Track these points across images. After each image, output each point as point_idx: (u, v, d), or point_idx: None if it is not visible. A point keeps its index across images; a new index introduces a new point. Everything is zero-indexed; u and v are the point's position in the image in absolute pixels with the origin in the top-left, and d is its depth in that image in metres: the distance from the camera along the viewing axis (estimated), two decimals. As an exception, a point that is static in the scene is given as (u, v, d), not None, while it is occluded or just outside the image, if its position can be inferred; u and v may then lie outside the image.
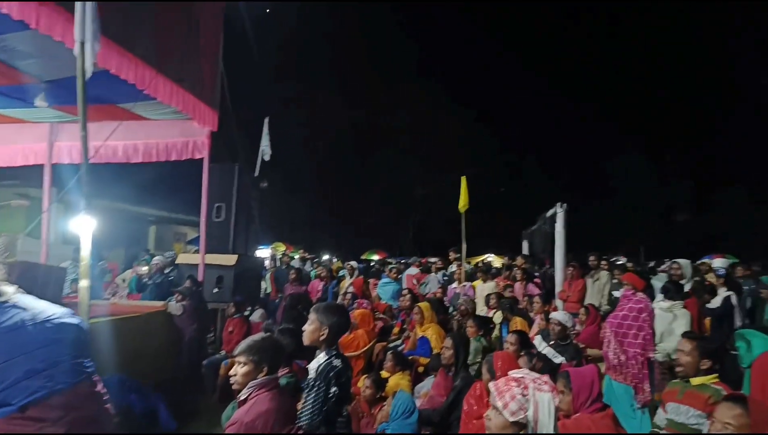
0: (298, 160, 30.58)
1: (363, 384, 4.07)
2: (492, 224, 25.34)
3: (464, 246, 6.92)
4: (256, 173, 8.73)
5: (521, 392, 1.83)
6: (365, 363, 5.64)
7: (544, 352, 4.50)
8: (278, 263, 12.48)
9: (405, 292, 7.01)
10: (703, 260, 12.89)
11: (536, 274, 8.42)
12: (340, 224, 30.74)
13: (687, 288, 5.63)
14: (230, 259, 7.05)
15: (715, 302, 5.62)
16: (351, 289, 7.92)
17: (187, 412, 4.98)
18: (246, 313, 6.51)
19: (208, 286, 6.96)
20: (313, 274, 10.70)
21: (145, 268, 8.58)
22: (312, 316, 2.54)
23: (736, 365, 4.52)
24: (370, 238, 29.08)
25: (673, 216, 29.22)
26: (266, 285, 9.64)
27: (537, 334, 5.07)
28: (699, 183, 29.44)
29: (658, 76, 31.22)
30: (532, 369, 3.22)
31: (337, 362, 2.45)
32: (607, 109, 31.95)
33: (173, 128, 6.99)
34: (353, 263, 10.19)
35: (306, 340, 2.55)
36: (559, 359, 4.38)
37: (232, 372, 2.57)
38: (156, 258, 8.53)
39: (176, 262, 7.85)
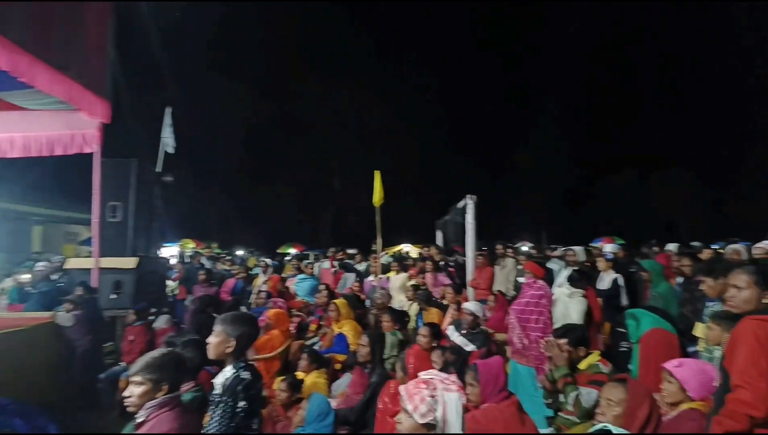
0: (208, 153, 29.13)
1: (278, 387, 3.96)
2: (409, 214, 25.91)
3: (379, 240, 6.98)
4: (159, 168, 8.14)
5: (430, 394, 1.86)
6: (282, 364, 5.50)
7: (457, 341, 4.66)
8: (187, 261, 11.81)
9: (321, 287, 6.94)
10: (595, 244, 14.22)
11: (451, 263, 8.71)
12: (255, 218, 29.77)
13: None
14: (129, 262, 6.52)
15: (605, 284, 6.17)
16: (265, 287, 7.68)
17: (83, 432, 4.56)
18: (151, 318, 6.07)
19: (104, 293, 6.39)
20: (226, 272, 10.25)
21: (26, 276, 7.66)
22: (217, 327, 2.40)
23: (622, 341, 5.04)
24: (286, 231, 28.51)
25: (571, 202, 31.66)
26: (173, 287, 9.07)
27: (450, 324, 5.24)
28: (596, 170, 32.26)
29: (560, 67, 33.39)
30: (445, 362, 3.31)
31: (245, 374, 2.33)
32: (513, 99, 33.83)
33: (57, 120, 6.28)
34: (267, 260, 9.91)
35: (211, 353, 2.40)
36: (470, 347, 4.56)
37: (126, 393, 2.35)
38: (40, 263, 7.67)
39: (65, 268, 7.10)
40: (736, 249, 5.72)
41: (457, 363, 3.15)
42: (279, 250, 21.99)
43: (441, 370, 3.18)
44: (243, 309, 7.96)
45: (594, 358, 3.50)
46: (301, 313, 6.86)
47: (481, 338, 4.65)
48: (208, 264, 11.10)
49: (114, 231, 6.77)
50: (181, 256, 15.75)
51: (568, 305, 4.82)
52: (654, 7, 32.74)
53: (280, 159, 30.40)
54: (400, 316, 5.00)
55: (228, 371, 2.34)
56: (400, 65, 33.53)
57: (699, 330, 3.64)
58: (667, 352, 4.04)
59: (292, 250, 21.03)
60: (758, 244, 5.38)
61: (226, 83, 27.86)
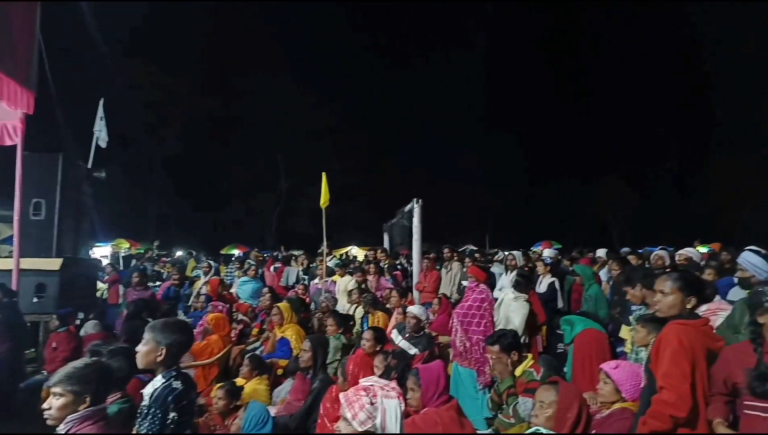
0: (146, 149, 27.73)
1: (215, 395, 3.80)
2: (357, 216, 25.85)
3: (325, 242, 6.90)
4: (90, 163, 7.64)
5: (370, 401, 1.84)
6: (221, 370, 5.31)
7: (400, 345, 4.68)
8: (122, 263, 11.17)
9: (265, 290, 6.77)
10: (534, 249, 14.79)
11: (398, 266, 8.75)
12: (197, 218, 28.63)
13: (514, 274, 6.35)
14: (53, 263, 6.08)
15: (542, 288, 6.41)
16: (205, 291, 7.39)
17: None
18: (77, 324, 5.68)
19: (25, 296, 5.91)
20: (164, 274, 9.79)
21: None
22: (147, 335, 2.26)
23: (558, 342, 5.25)
24: (230, 231, 27.62)
25: (514, 207, 32.75)
26: (103, 290, 8.55)
27: (394, 327, 5.25)
28: (533, 176, 33.61)
29: (505, 73, 34.42)
30: (387, 366, 3.30)
31: (176, 384, 2.21)
32: (460, 103, 34.47)
33: (-27, 109, 5.75)
34: (210, 262, 9.55)
35: (140, 362, 2.26)
36: (413, 351, 4.59)
37: (45, 405, 2.18)
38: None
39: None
40: (660, 255, 6.12)
41: (400, 367, 3.15)
42: (222, 251, 21.28)
43: (383, 374, 3.17)
44: (181, 313, 7.63)
45: (527, 364, 3.61)
46: (245, 318, 6.65)
47: (425, 342, 4.69)
48: (141, 265, 10.56)
49: (37, 229, 6.29)
50: (115, 257, 14.90)
51: (512, 309, 4.95)
52: (584, 20, 34.54)
53: (224, 157, 29.40)
54: (345, 320, 4.96)
55: (158, 381, 2.21)
56: (349, 64, 33.39)
57: (625, 332, 3.85)
58: (599, 352, 4.27)
59: (236, 251, 20.40)
60: (681, 251, 5.77)
61: (163, 75, 26.59)
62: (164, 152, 28.51)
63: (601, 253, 8.63)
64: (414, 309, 5.00)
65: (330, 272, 8.83)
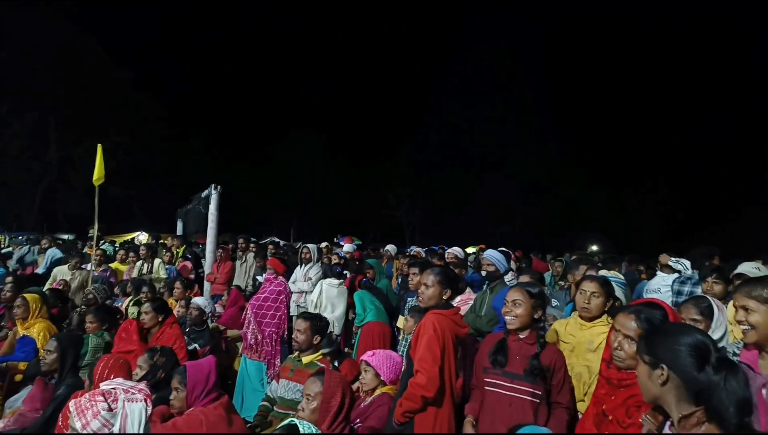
0: None
1: None
2: (148, 199, 23.08)
3: (96, 224, 5.93)
4: None
5: (107, 407, 1.59)
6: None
7: (179, 340, 4.28)
8: None
9: (9, 279, 5.50)
10: (339, 242, 15.39)
11: (188, 255, 8.08)
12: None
13: (317, 268, 6.50)
14: None
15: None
16: None
17: None
18: None
19: None
20: None
21: None
22: None
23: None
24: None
25: (322, 201, 33.53)
26: None
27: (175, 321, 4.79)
28: (341, 173, 34.90)
29: (319, 64, 35.05)
30: (154, 365, 2.96)
31: None
32: (273, 91, 33.84)
33: None
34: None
35: None
36: (192, 346, 4.25)
37: None
38: None
39: None
40: (453, 253, 6.89)
41: (168, 366, 2.84)
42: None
43: (147, 374, 2.82)
44: None
45: (317, 356, 3.64)
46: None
47: (207, 336, 4.40)
48: None
49: None
50: None
51: (335, 295, 5.30)
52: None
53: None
54: (111, 315, 4.31)
55: None
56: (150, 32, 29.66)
57: (401, 322, 4.21)
58: (381, 341, 4.60)
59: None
60: (449, 250, 6.62)
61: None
62: None
63: (389, 248, 9.38)
64: (198, 300, 4.65)
65: (109, 259, 7.69)
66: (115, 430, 1.58)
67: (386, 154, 34.77)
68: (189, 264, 7.49)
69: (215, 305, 5.78)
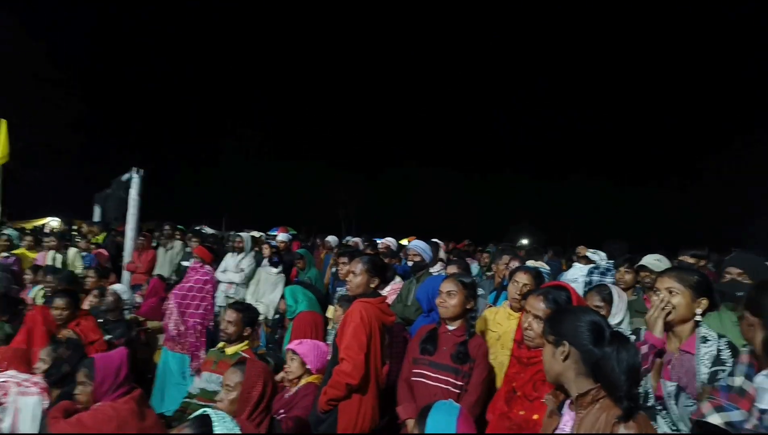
0: None
1: None
2: (61, 182, 21.26)
3: (-1, 207, 5.40)
4: None
5: (-4, 402, 1.44)
6: None
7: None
8: None
9: None
10: (272, 233, 15.05)
11: (106, 243, 7.58)
12: None
13: (250, 258, 6.34)
14: None
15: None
16: None
17: None
18: None
19: None
20: None
21: None
22: None
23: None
24: None
25: (253, 191, 32.60)
26: None
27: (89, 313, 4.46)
28: (279, 160, 34.20)
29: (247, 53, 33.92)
30: (57, 358, 2.73)
31: None
32: (203, 73, 32.31)
33: None
34: None
35: None
36: (107, 337, 3.98)
37: None
38: None
39: None
40: (386, 244, 6.94)
41: (74, 359, 2.64)
42: None
43: (51, 368, 2.60)
44: None
45: (242, 346, 3.52)
46: None
47: (123, 327, 4.14)
48: None
49: None
50: None
51: (275, 282, 5.52)
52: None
53: None
54: (12, 305, 3.94)
55: None
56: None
57: (329, 311, 4.19)
58: (313, 331, 4.54)
59: None
60: (381, 241, 6.71)
61: None
62: None
63: (329, 239, 9.30)
64: (116, 286, 4.40)
65: (14, 246, 7.03)
66: (5, 425, 1.44)
67: (327, 148, 34.54)
68: (105, 251, 7.02)
69: (135, 295, 5.48)
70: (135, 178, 6.67)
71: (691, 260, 4.24)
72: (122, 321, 4.24)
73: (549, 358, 1.48)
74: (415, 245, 4.02)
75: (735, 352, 1.91)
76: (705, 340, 1.96)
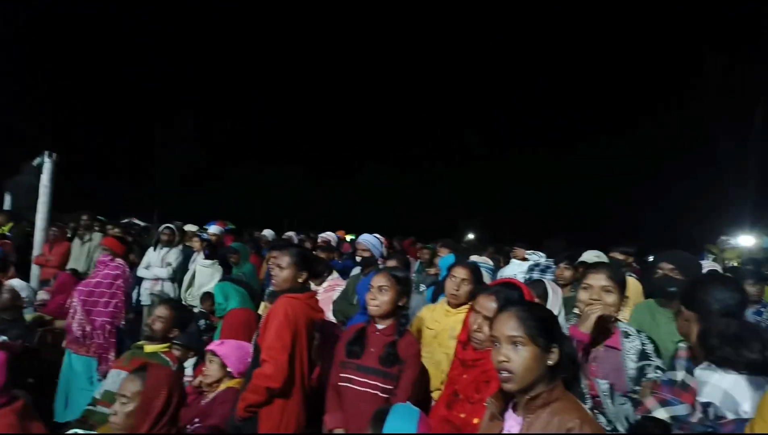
0: None
1: None
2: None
3: None
4: None
5: None
6: None
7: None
8: None
9: None
10: (206, 226, 14.39)
11: (9, 234, 6.85)
12: None
13: (177, 251, 5.93)
14: None
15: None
16: None
17: None
18: None
19: None
20: None
21: None
22: None
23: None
24: None
25: (187, 183, 31.12)
26: None
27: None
28: (214, 156, 32.97)
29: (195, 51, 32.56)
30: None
31: None
32: (133, 65, 30.45)
33: None
34: None
35: None
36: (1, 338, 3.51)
37: None
38: None
39: None
40: (325, 238, 6.73)
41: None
42: None
43: None
44: None
45: (163, 347, 3.18)
46: None
47: (20, 328, 3.67)
48: None
49: None
50: None
51: (210, 274, 5.36)
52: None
53: None
54: None
55: None
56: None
57: (261, 308, 3.93)
58: (246, 330, 4.23)
59: None
60: (321, 235, 6.49)
61: None
62: None
63: (266, 233, 9.01)
64: (13, 282, 3.92)
65: None
66: None
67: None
68: (8, 242, 6.35)
69: (41, 291, 4.94)
70: (47, 163, 6.07)
71: (620, 257, 4.38)
72: (20, 320, 3.75)
73: (531, 362, 1.37)
74: (365, 239, 3.81)
75: (655, 346, 1.98)
76: (627, 335, 2.01)
